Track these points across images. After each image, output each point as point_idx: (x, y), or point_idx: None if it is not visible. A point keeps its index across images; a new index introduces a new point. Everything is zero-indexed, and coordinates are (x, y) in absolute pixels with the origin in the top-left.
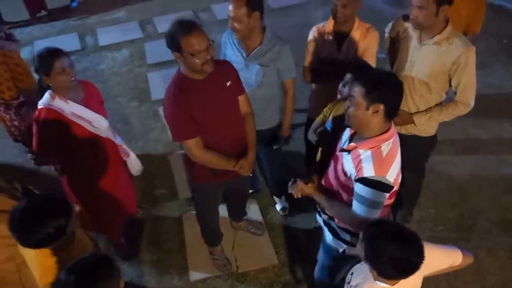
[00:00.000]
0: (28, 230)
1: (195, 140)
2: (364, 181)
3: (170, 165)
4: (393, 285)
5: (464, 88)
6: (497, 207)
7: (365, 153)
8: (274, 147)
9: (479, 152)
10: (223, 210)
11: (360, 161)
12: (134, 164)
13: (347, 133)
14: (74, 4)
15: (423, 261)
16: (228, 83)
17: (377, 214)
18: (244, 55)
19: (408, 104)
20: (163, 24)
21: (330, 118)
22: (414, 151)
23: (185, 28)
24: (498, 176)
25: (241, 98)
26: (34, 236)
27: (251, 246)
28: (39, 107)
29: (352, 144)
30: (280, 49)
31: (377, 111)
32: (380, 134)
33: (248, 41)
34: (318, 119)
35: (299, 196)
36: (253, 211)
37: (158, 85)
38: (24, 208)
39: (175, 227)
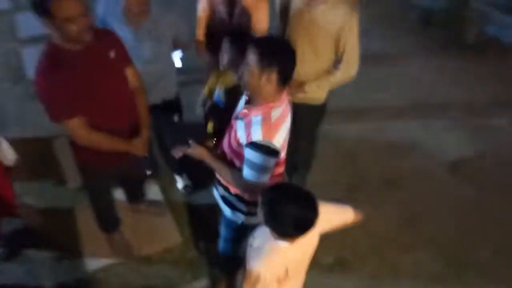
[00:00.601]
0: None
1: (77, 119)
2: (252, 145)
3: (55, 150)
4: (292, 243)
5: (349, 53)
6: (379, 168)
7: (255, 118)
8: (175, 120)
9: (362, 120)
10: (119, 193)
11: (250, 125)
12: (6, 154)
13: (242, 101)
14: None
15: (318, 217)
16: (112, 54)
17: (265, 178)
18: (133, 30)
19: (298, 71)
20: None
21: (218, 90)
22: (306, 119)
23: None
24: (380, 141)
25: (129, 71)
26: None
27: (153, 228)
28: None
29: (245, 110)
30: (169, 19)
31: (269, 78)
32: (272, 101)
33: (136, 15)
34: (205, 92)
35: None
36: (153, 191)
37: (34, 62)
38: None
39: (67, 218)
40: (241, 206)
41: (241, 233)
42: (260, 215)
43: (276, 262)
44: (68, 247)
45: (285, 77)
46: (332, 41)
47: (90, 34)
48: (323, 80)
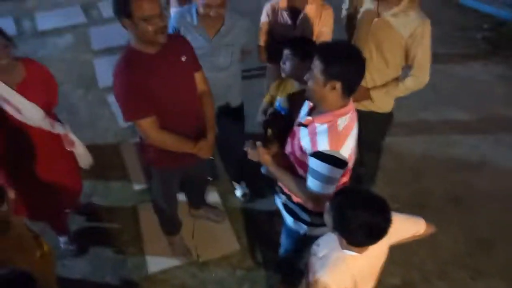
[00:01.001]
0: None
1: (149, 119)
2: (318, 155)
3: (122, 154)
4: (361, 252)
5: (420, 61)
6: (446, 185)
7: (321, 127)
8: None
9: (428, 133)
10: (181, 198)
11: (315, 134)
12: (83, 158)
13: (305, 107)
14: None
15: (390, 226)
16: (183, 58)
17: (331, 189)
18: (208, 38)
19: (365, 79)
20: (109, 9)
21: (279, 98)
22: (372, 129)
23: None
24: (447, 156)
25: (197, 75)
26: None
27: (211, 234)
28: None
29: (309, 118)
30: (242, 24)
31: (334, 88)
32: (338, 109)
33: (211, 24)
34: (266, 100)
35: (255, 160)
36: (213, 197)
37: (106, 72)
38: None
39: (130, 219)
40: (304, 216)
41: (303, 243)
42: (327, 221)
43: (343, 272)
44: (131, 246)
45: (351, 87)
46: (402, 48)
47: (165, 37)
48: (392, 87)
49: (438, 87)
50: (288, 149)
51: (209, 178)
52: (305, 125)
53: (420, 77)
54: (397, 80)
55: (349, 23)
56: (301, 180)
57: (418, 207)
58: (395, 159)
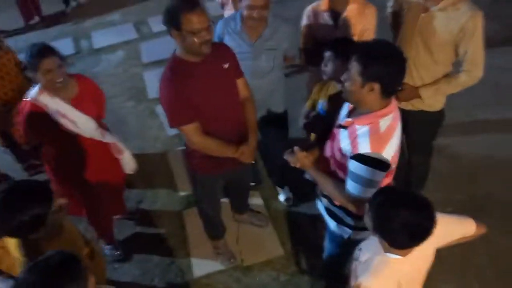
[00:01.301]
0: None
1: (193, 125)
2: (359, 158)
3: (169, 162)
4: (405, 255)
5: (472, 56)
6: (508, 188)
7: (362, 129)
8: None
9: (486, 133)
10: (225, 204)
11: (356, 136)
12: (128, 163)
13: (345, 108)
14: (68, 9)
15: (435, 226)
16: (226, 66)
17: (372, 193)
18: (250, 42)
19: (413, 77)
20: (158, 24)
21: (321, 101)
22: (422, 129)
23: (187, 4)
24: (505, 156)
25: (239, 82)
26: (6, 224)
27: (255, 239)
28: (25, 99)
29: (349, 119)
30: (285, 29)
31: (372, 90)
32: (379, 109)
33: (254, 27)
34: (308, 104)
35: (297, 166)
36: (256, 202)
37: (155, 83)
38: None
39: (177, 224)
40: (348, 220)
41: (347, 248)
42: (367, 222)
43: (387, 277)
44: (177, 251)
45: (391, 88)
46: (452, 44)
47: (209, 47)
48: (443, 84)
49: (497, 84)
50: (328, 152)
51: (252, 183)
52: (345, 127)
53: (473, 72)
54: (448, 76)
55: (395, 21)
56: (342, 184)
57: (475, 212)
58: (449, 162)
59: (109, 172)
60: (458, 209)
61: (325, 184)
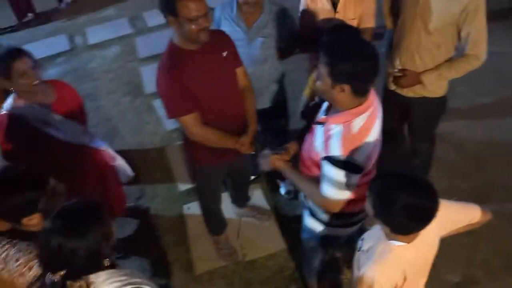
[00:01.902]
0: None
1: (192, 115)
2: (331, 160)
3: (168, 157)
4: (409, 242)
5: (475, 38)
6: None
7: (335, 128)
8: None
9: (492, 119)
10: (226, 198)
11: (329, 137)
12: (124, 170)
13: (325, 104)
14: (63, 5)
15: (437, 206)
16: (225, 54)
17: (347, 195)
18: (245, 29)
19: (415, 62)
20: (153, 19)
21: None
22: (424, 116)
23: None
24: (510, 141)
25: (239, 71)
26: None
27: (257, 233)
28: (0, 112)
29: (324, 116)
30: (282, 15)
31: (343, 90)
32: (352, 108)
33: (250, 13)
34: (306, 93)
35: (270, 170)
36: (257, 196)
37: (151, 78)
38: None
39: (177, 220)
40: (322, 216)
41: (322, 242)
42: (367, 208)
43: (391, 264)
44: (178, 246)
45: (362, 89)
46: (453, 26)
47: (207, 35)
48: (445, 69)
49: (500, 71)
50: (305, 148)
51: (252, 176)
52: (322, 123)
53: (476, 55)
54: (450, 60)
55: (393, 4)
56: (317, 184)
57: (481, 199)
58: (453, 149)
59: (104, 180)
60: (463, 197)
61: (301, 185)
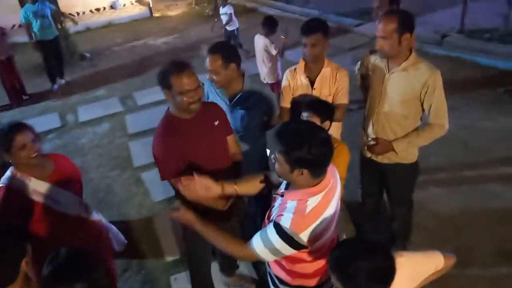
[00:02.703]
0: None
1: None
2: (277, 227)
3: (155, 228)
4: None
5: (436, 110)
6: (492, 238)
7: (290, 203)
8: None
9: (465, 186)
10: (214, 267)
11: (284, 208)
12: (117, 238)
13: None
14: (56, 87)
15: (394, 261)
16: (216, 123)
17: (271, 259)
18: (228, 102)
19: (386, 132)
20: (143, 98)
21: None
22: (399, 181)
23: (177, 68)
24: (489, 208)
25: (229, 139)
26: None
27: None
28: None
29: (282, 191)
30: (261, 93)
31: (302, 174)
32: (309, 187)
33: (229, 89)
34: None
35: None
36: (245, 265)
37: (140, 152)
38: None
39: None
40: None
41: None
42: (335, 284)
43: None
44: None
45: (319, 171)
46: (417, 99)
47: (199, 106)
48: (414, 137)
49: (469, 143)
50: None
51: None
52: (282, 195)
53: (439, 125)
54: (417, 129)
55: (363, 82)
56: (234, 239)
57: (463, 262)
58: (432, 216)
59: (98, 252)
60: None
61: (212, 237)
